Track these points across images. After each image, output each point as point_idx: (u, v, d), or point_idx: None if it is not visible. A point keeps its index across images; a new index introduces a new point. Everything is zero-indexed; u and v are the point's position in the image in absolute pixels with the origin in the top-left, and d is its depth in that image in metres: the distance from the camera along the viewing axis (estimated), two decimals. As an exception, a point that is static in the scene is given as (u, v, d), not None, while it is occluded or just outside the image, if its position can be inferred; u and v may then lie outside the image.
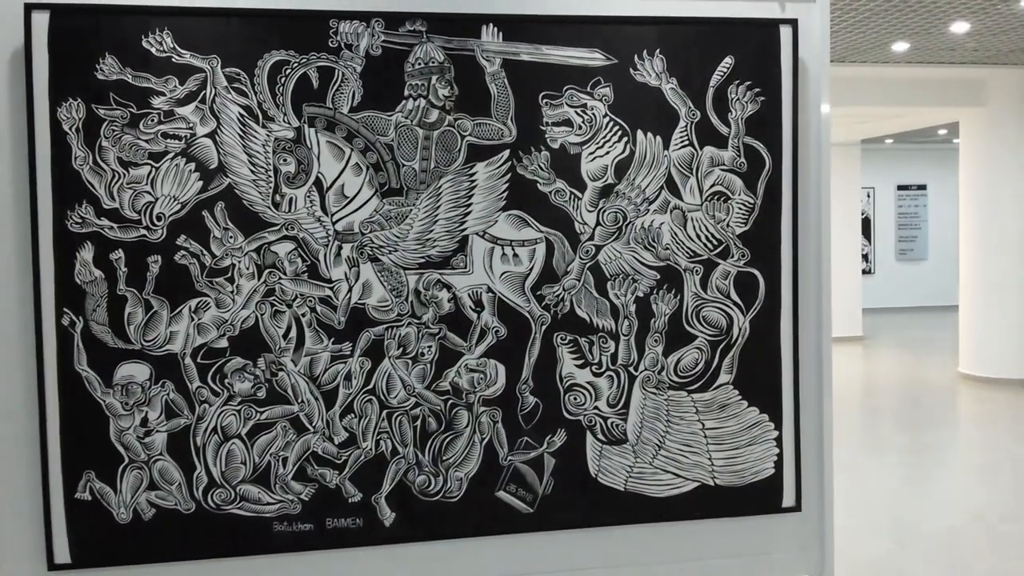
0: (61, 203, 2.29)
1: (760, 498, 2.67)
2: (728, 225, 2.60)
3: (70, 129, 2.28)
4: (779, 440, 2.66)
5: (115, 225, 2.31)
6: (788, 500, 2.68)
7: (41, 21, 2.26)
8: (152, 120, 2.31)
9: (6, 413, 2.32)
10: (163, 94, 2.32)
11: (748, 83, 2.58)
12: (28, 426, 2.32)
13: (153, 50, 2.31)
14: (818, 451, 2.71)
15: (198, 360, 2.37)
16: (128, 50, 2.29)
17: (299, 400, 2.42)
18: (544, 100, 2.49)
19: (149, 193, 2.32)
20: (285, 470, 2.43)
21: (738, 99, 2.58)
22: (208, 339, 2.37)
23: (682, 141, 2.56)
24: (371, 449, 2.47)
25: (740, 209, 2.60)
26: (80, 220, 2.30)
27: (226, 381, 2.38)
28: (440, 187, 2.45)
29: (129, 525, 2.37)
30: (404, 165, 2.43)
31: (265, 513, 2.43)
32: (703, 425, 2.61)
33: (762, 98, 2.59)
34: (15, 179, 2.29)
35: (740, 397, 2.63)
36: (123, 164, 2.31)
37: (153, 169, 2.32)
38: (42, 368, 2.30)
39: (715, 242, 2.60)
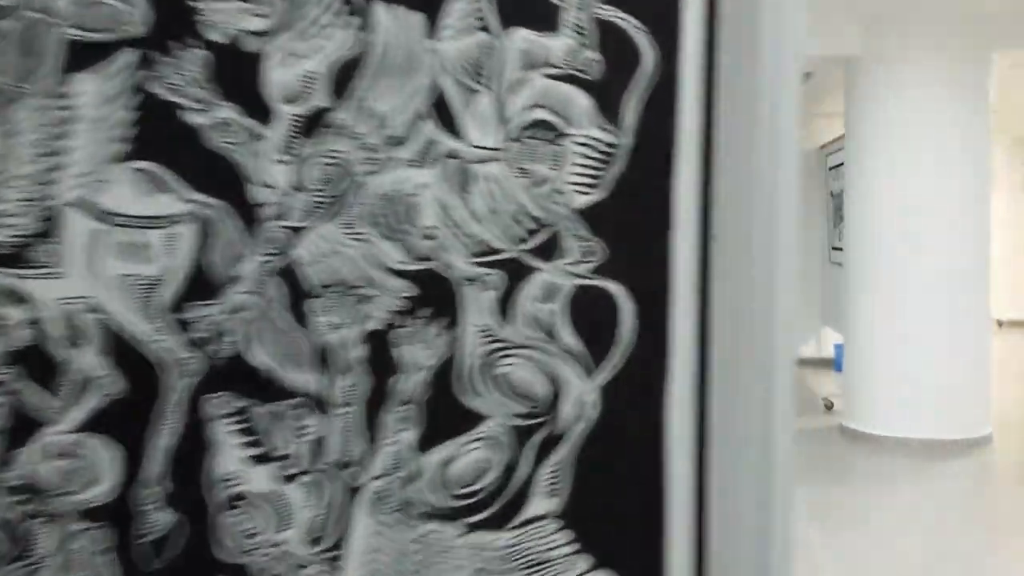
0: None
1: None
2: (559, 191, 1.27)
3: None
4: (673, 636, 1.27)
5: None
6: None
7: None
8: None
9: None
10: None
11: (605, -103, 1.25)
12: None
13: None
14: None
15: None
16: None
17: None
18: (190, -48, 1.31)
19: None
20: None
21: (584, -68, 1.25)
22: None
23: (465, 21, 1.28)
24: (-101, 582, 1.40)
25: (585, 157, 1.27)
26: None
27: None
28: (14, 120, 1.35)
29: None
30: (-59, 80, 1.35)
31: None
32: (506, 594, 1.29)
33: (632, -74, 1.25)
34: None
35: (574, 547, 1.27)
36: None
37: None
38: None
39: (530, 224, 1.27)
